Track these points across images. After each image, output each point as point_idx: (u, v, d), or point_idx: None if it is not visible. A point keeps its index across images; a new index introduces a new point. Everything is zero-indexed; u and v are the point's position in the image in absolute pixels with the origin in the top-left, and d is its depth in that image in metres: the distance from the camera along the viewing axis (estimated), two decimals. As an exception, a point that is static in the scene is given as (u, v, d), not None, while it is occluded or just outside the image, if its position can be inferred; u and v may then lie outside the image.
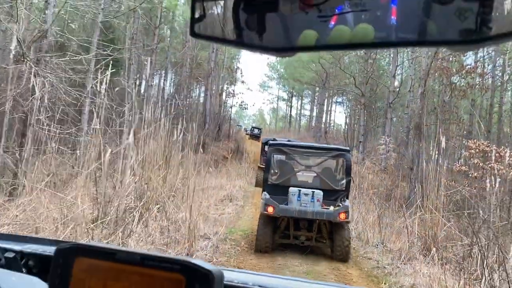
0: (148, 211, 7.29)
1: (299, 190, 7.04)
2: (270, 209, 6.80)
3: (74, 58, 12.48)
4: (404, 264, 6.43)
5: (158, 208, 7.75)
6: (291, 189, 7.13)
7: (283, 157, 8.35)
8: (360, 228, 9.03)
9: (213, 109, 25.90)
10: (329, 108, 42.52)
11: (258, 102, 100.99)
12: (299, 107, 56.13)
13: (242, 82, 25.23)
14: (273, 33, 0.59)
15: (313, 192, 7.01)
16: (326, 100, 40.27)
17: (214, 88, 23.03)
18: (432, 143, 14.19)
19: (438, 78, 20.56)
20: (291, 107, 55.82)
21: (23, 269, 0.90)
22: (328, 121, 41.58)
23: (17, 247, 0.93)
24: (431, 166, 7.95)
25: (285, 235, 7.24)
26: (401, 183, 17.64)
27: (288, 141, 11.75)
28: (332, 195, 7.38)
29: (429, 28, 0.52)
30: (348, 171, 7.64)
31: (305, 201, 6.95)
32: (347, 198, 7.50)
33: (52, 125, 8.90)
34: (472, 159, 10.93)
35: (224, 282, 0.64)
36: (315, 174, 8.07)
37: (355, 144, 26.14)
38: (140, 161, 8.08)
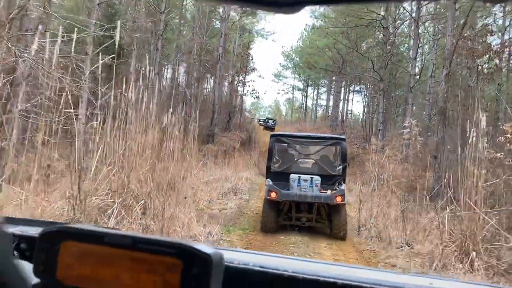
0: (128, 209, 6.21)
1: (299, 177, 7.66)
2: (273, 195, 7.41)
3: (62, 38, 11.47)
4: (438, 273, 5.20)
5: (142, 205, 6.66)
6: (292, 175, 7.76)
7: (284, 146, 8.91)
8: (381, 226, 7.77)
9: (223, 98, 24.77)
10: (346, 97, 40.91)
11: (273, 93, 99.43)
12: (315, 97, 54.54)
13: (253, 69, 23.93)
14: None
15: (311, 178, 7.63)
16: (343, 89, 38.72)
17: (223, 75, 21.81)
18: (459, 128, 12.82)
19: (464, 60, 19.01)
20: (306, 97, 54.30)
21: (15, 252, 0.78)
22: (345, 110, 40.02)
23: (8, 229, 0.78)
24: (468, 151, 6.61)
25: (288, 217, 7.79)
26: (423, 173, 16.28)
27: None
28: (330, 180, 8.10)
29: None
30: (344, 158, 8.45)
31: (304, 186, 7.59)
32: (344, 182, 8.33)
33: (41, 114, 8.03)
34: (509, 144, 9.50)
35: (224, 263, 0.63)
36: (314, 161, 8.80)
37: (374, 132, 24.71)
38: (123, 150, 6.99)
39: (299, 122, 44.65)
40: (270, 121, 33.97)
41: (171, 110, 8.60)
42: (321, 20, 31.78)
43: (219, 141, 20.61)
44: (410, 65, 22.50)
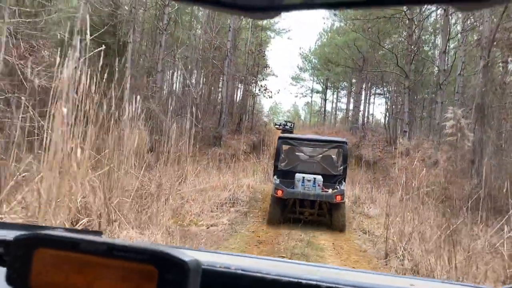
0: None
1: (303, 177, 8.33)
2: (280, 192, 8.07)
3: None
4: None
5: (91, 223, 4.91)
6: (297, 175, 8.41)
7: (290, 147, 9.71)
8: (417, 252, 5.75)
9: (232, 98, 23.03)
10: (367, 100, 38.65)
11: (291, 97, 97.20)
12: (334, 100, 52.37)
13: (266, 66, 22.08)
14: None
15: (315, 178, 8.31)
16: (363, 91, 36.56)
17: (232, 73, 20.09)
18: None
19: (500, 54, 16.87)
20: (325, 99, 52.07)
21: None
22: (366, 114, 37.78)
23: None
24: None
25: (293, 211, 8.40)
26: (456, 179, 14.17)
27: None
28: (331, 179, 8.79)
29: None
30: (344, 159, 9.22)
31: (308, 185, 8.27)
32: (344, 181, 9.07)
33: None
34: None
35: (204, 267, 0.62)
36: (317, 162, 9.44)
37: (398, 135, 22.56)
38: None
39: (317, 126, 42.58)
40: (288, 124, 32.30)
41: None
42: (340, 17, 29.80)
43: (227, 144, 18.84)
44: (438, 60, 20.41)
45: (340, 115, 50.92)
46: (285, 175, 8.68)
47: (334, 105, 52.63)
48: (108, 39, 16.96)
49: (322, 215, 8.40)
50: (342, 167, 9.18)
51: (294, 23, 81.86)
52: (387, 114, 24.49)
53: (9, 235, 0.77)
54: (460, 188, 13.71)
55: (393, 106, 23.74)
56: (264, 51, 21.96)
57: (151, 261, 0.57)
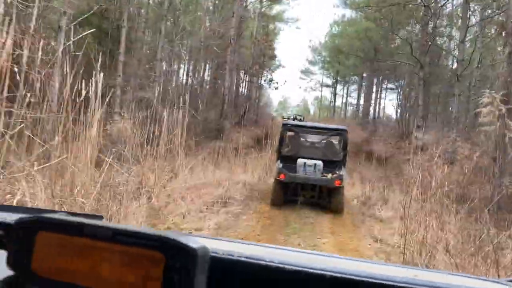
0: None
1: (305, 162, 8.83)
2: (282, 176, 8.55)
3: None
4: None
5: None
6: (298, 161, 8.89)
7: (293, 134, 9.99)
8: (443, 266, 4.63)
9: (237, 89, 21.96)
10: (379, 95, 37.25)
11: (301, 92, 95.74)
12: (345, 95, 51.07)
13: (272, 57, 20.89)
14: None
15: (315, 164, 8.78)
16: (374, 86, 35.18)
17: (236, 62, 18.95)
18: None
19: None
20: (335, 94, 50.80)
21: None
22: (377, 109, 36.42)
23: None
24: None
25: (294, 194, 8.82)
26: (475, 177, 12.99)
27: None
28: (331, 164, 9.11)
29: None
30: (344, 146, 9.56)
31: (309, 170, 8.78)
32: (344, 166, 9.32)
33: None
34: None
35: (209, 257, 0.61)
36: (318, 148, 9.82)
37: (412, 130, 21.31)
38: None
39: (327, 120, 41.36)
40: (298, 118, 31.42)
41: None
42: (352, 6, 28.45)
43: (229, 137, 17.78)
44: (455, 50, 19.12)
45: (350, 110, 49.72)
46: (288, 160, 9.08)
47: (344, 100, 51.40)
48: (101, 23, 15.99)
49: (322, 198, 8.90)
50: (342, 154, 9.59)
51: (303, 12, 79.76)
52: (400, 108, 23.20)
53: (9, 217, 0.76)
54: (481, 188, 12.54)
55: (406, 100, 22.44)
56: (271, 41, 20.77)
57: (157, 247, 0.55)
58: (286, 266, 0.71)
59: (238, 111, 22.57)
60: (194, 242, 0.55)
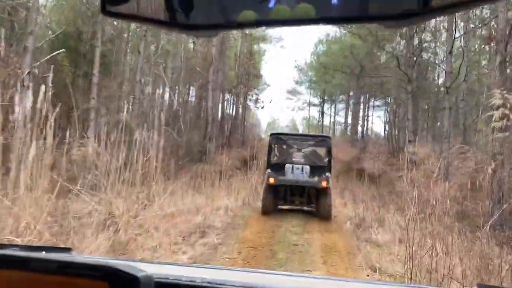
0: None
1: (292, 166, 9.68)
2: (272, 180, 9.26)
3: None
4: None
5: None
6: (287, 165, 9.74)
7: (281, 143, 10.76)
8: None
9: (222, 110, 21.32)
10: (366, 112, 36.89)
11: (288, 112, 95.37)
12: (332, 114, 50.78)
13: (256, 76, 20.30)
14: (206, 12, 0.52)
15: (302, 167, 9.66)
16: (362, 105, 34.82)
17: (219, 82, 18.31)
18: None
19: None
20: (322, 113, 50.43)
21: None
22: (366, 126, 35.99)
23: None
24: None
25: (284, 199, 9.68)
26: (472, 193, 12.33)
27: None
28: (318, 169, 9.89)
29: (371, 4, 0.53)
30: (329, 152, 10.57)
31: (296, 173, 9.54)
32: (330, 171, 10.08)
33: None
34: None
35: (157, 280, 0.62)
36: (305, 155, 10.47)
37: (403, 146, 20.74)
38: None
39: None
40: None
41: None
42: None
43: (214, 160, 17.01)
44: (442, 64, 18.77)
45: (338, 129, 49.42)
46: (277, 167, 9.73)
47: (332, 119, 51.12)
48: (77, 44, 15.32)
49: (310, 202, 9.51)
50: (326, 159, 10.40)
51: (287, 32, 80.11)
52: (389, 123, 22.70)
53: None
54: (471, 202, 11.96)
55: (394, 115, 21.97)
56: (255, 60, 20.24)
57: (103, 278, 0.55)
58: (234, 287, 0.71)
59: (224, 133, 21.86)
60: (139, 271, 0.56)
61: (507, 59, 11.89)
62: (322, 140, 10.81)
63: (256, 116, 54.72)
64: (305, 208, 9.68)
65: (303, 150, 10.50)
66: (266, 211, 9.11)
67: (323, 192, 9.14)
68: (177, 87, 17.43)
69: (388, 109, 29.76)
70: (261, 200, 9.33)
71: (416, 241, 6.69)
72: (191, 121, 18.61)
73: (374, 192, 16.15)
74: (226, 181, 13.04)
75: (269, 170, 9.62)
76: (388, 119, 25.36)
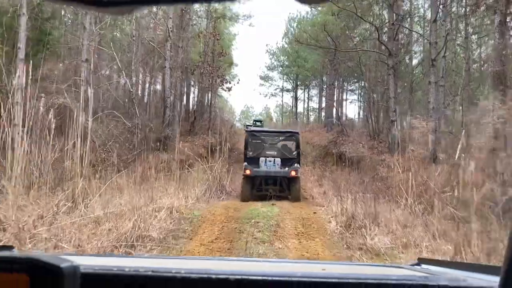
0: None
1: (266, 159, 11.15)
2: (248, 171, 10.69)
3: None
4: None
5: None
6: (261, 158, 11.20)
7: (255, 138, 12.10)
8: None
9: (187, 95, 19.21)
10: (340, 97, 35.20)
11: (261, 99, 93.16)
12: (306, 100, 49.12)
13: (222, 54, 18.12)
14: None
15: (274, 159, 11.14)
16: (336, 89, 33.09)
17: (176, 59, 16.11)
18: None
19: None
20: (296, 98, 48.64)
21: None
22: (340, 111, 34.34)
23: None
24: None
25: (260, 189, 10.96)
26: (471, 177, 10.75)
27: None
28: (288, 161, 11.37)
29: None
30: (297, 146, 11.91)
31: (269, 165, 11.02)
32: (298, 163, 11.62)
33: None
34: None
35: (85, 271, 0.60)
36: (277, 148, 11.96)
37: (382, 127, 19.15)
38: None
39: (290, 126, 39.12)
40: (258, 124, 30.19)
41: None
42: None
43: (175, 148, 14.92)
44: (424, 35, 17.16)
45: (312, 115, 47.86)
46: (253, 160, 11.09)
47: (305, 105, 49.50)
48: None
49: (283, 190, 10.81)
50: (295, 152, 11.72)
51: (257, 11, 77.20)
52: (368, 104, 21.06)
53: None
54: (482, 188, 10.27)
55: (372, 94, 20.31)
56: (219, 35, 18.07)
57: (23, 270, 0.53)
58: (160, 274, 0.69)
59: (189, 118, 19.79)
60: (62, 261, 0.53)
61: (507, 21, 10.27)
62: (291, 135, 12.22)
63: (229, 103, 52.75)
64: (279, 194, 10.80)
65: (275, 144, 11.94)
66: (244, 199, 10.31)
67: (293, 181, 10.82)
68: (132, 67, 15.19)
69: (364, 90, 28.23)
70: (240, 190, 10.76)
71: (426, 245, 4.91)
72: (150, 104, 16.42)
73: (355, 178, 14.49)
74: (186, 171, 11.05)
75: (245, 163, 11.00)
76: (366, 99, 23.75)
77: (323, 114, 36.44)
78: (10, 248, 0.96)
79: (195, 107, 20.76)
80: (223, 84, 18.46)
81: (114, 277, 0.71)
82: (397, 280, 0.81)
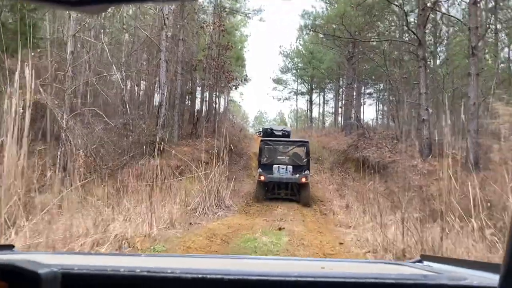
0: None
1: (279, 166, 12.31)
2: (262, 177, 11.91)
3: None
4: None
5: None
6: (274, 166, 12.33)
7: (269, 147, 13.25)
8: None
9: (192, 94, 17.22)
10: (359, 100, 32.89)
11: (275, 104, 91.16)
12: (321, 104, 46.88)
13: (227, 48, 16.01)
14: None
15: (286, 167, 12.30)
16: (354, 90, 30.92)
17: (174, 50, 14.14)
18: None
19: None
20: (311, 101, 46.43)
21: None
22: (357, 114, 32.03)
23: None
24: None
25: (273, 192, 12.30)
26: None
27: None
28: (299, 168, 12.48)
29: None
30: (307, 154, 12.99)
31: (282, 172, 12.17)
32: (308, 169, 12.63)
33: None
34: None
35: (65, 271, 0.59)
36: (289, 156, 13.20)
37: (409, 128, 16.83)
38: None
39: (305, 130, 36.96)
40: (286, 132, 28.32)
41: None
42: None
43: (170, 152, 12.93)
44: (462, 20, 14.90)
45: (328, 120, 45.63)
46: (266, 166, 12.46)
47: (321, 109, 47.29)
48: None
49: (293, 194, 12.24)
50: (305, 160, 12.94)
51: (269, 12, 74.77)
52: (392, 102, 18.78)
53: None
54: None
55: (398, 93, 18.05)
56: (224, 25, 16.03)
57: (1, 276, 0.51)
58: (140, 273, 0.68)
59: (190, 120, 17.81)
60: (42, 266, 0.51)
61: None
62: (302, 144, 13.43)
63: (242, 109, 51.02)
64: (290, 197, 12.13)
65: (286, 153, 13.16)
66: (259, 201, 11.80)
67: (303, 187, 11.91)
68: (123, 59, 13.32)
69: (387, 90, 25.94)
70: (254, 192, 12.30)
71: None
72: (143, 103, 14.48)
73: (382, 187, 12.27)
74: (177, 180, 9.00)
75: (260, 169, 12.26)
76: (389, 98, 21.45)
77: (339, 118, 34.32)
78: (10, 247, 0.94)
79: (199, 107, 18.78)
80: (229, 82, 16.41)
81: (108, 278, 0.69)
82: (396, 279, 0.80)
